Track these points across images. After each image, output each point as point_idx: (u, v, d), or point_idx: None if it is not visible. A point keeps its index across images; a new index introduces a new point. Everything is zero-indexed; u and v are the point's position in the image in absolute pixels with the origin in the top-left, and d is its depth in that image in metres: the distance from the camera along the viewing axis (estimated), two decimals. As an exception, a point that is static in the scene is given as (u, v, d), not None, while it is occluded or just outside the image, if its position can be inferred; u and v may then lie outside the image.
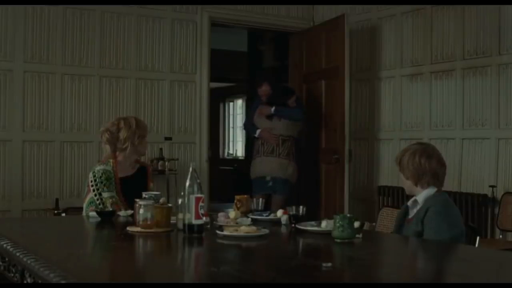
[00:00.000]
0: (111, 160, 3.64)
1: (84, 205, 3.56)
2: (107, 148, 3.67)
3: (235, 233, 2.68)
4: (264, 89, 5.80)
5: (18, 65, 5.24)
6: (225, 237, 2.66)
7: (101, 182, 3.54)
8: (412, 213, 3.03)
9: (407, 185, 3.05)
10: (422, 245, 2.78)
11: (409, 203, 3.07)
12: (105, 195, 3.52)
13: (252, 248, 2.63)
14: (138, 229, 2.77)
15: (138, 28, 5.72)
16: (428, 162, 2.98)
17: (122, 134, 3.63)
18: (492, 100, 4.99)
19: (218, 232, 2.72)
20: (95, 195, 3.52)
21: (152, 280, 1.98)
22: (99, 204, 3.48)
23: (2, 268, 2.45)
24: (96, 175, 3.55)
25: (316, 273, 2.07)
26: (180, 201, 2.75)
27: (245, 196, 3.52)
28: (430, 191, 2.98)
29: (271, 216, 3.21)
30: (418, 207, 2.99)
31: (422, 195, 2.98)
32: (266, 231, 2.74)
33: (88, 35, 5.51)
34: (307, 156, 6.14)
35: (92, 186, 3.54)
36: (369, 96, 6.09)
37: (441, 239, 2.77)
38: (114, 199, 3.51)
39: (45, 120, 5.35)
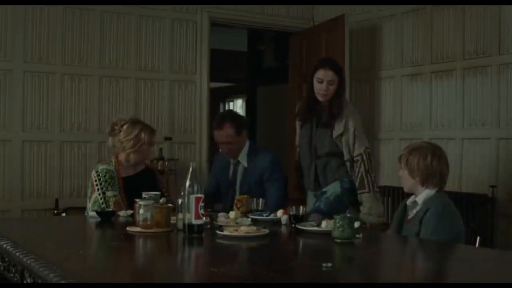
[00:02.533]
0: (113, 160, 3.66)
1: (90, 204, 3.56)
2: (110, 139, 3.71)
3: (235, 233, 2.68)
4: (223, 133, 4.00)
5: (18, 65, 5.24)
6: (225, 237, 2.66)
7: (106, 181, 3.55)
8: (412, 213, 3.02)
9: (410, 183, 3.02)
10: (422, 245, 2.78)
11: (409, 202, 3.06)
12: (108, 194, 3.53)
13: (252, 248, 2.63)
14: (138, 229, 2.77)
15: (138, 28, 5.72)
16: (438, 164, 2.98)
17: (119, 136, 3.65)
18: (492, 100, 4.99)
19: (218, 232, 2.72)
20: (99, 194, 3.52)
21: (152, 280, 1.98)
22: (102, 203, 3.48)
23: (2, 268, 2.45)
24: (100, 174, 3.56)
25: (316, 273, 2.07)
26: (180, 201, 2.75)
27: (245, 196, 3.52)
28: (430, 192, 2.97)
29: (271, 216, 3.21)
30: (418, 208, 2.98)
31: (422, 196, 2.98)
32: (266, 231, 2.74)
33: (88, 35, 5.50)
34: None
35: (96, 185, 3.54)
36: (369, 96, 6.09)
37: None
38: (117, 198, 3.52)
39: (45, 120, 5.35)
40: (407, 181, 3.04)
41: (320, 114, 3.80)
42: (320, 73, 3.71)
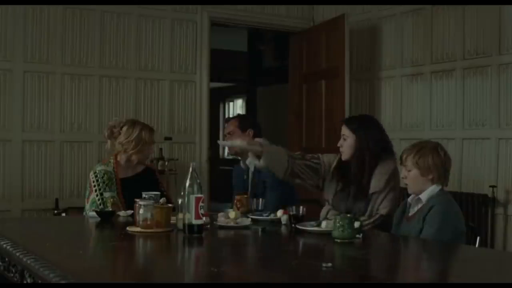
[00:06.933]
0: (111, 161, 3.65)
1: (88, 205, 3.56)
2: (108, 142, 3.70)
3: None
4: None
5: (18, 65, 5.24)
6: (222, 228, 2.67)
7: (103, 182, 3.55)
8: (413, 210, 3.01)
9: (420, 182, 2.96)
10: (422, 245, 2.78)
11: (410, 199, 3.04)
12: (106, 195, 3.53)
13: (252, 248, 2.63)
14: (138, 229, 2.77)
15: (138, 28, 5.72)
16: (447, 160, 2.98)
17: (120, 138, 3.65)
18: (492, 100, 4.99)
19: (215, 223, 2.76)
20: (97, 195, 3.52)
21: (152, 280, 1.98)
22: (100, 204, 3.48)
23: (2, 268, 2.45)
24: (98, 175, 3.56)
25: (316, 273, 2.08)
26: (180, 201, 2.75)
27: (245, 196, 3.53)
28: (434, 189, 2.96)
29: (271, 216, 3.21)
30: (420, 205, 2.97)
31: (426, 193, 2.95)
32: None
33: (88, 35, 5.50)
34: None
35: (94, 186, 3.55)
36: (369, 96, 6.09)
37: (440, 239, 2.77)
38: (114, 199, 3.52)
39: (45, 120, 5.35)
40: (416, 181, 2.96)
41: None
42: None
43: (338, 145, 3.39)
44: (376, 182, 3.25)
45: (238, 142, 3.56)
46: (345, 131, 3.36)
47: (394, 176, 3.26)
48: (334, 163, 3.48)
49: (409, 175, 2.99)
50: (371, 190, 3.26)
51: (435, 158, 2.94)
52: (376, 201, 3.24)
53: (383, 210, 3.21)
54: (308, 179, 3.48)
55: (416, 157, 2.96)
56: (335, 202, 3.41)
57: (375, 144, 3.32)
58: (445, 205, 2.89)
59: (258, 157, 3.38)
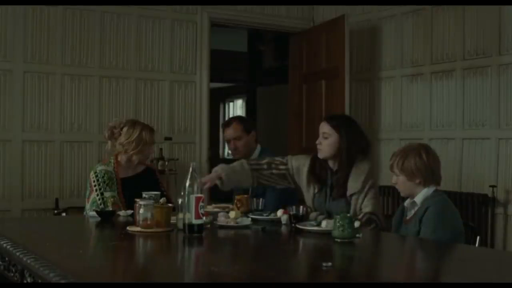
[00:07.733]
0: (112, 161, 3.66)
1: (88, 205, 3.57)
2: (109, 143, 3.71)
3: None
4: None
5: (18, 65, 5.24)
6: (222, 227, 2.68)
7: (104, 182, 3.56)
8: (410, 214, 3.02)
9: (409, 186, 2.99)
10: (422, 245, 2.78)
11: (406, 203, 3.06)
12: (107, 194, 3.53)
13: (252, 247, 2.63)
14: (138, 229, 2.77)
15: (138, 28, 5.72)
16: (433, 161, 2.98)
17: (120, 139, 3.65)
18: (492, 100, 4.99)
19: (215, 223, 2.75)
20: (97, 194, 3.52)
21: (152, 280, 1.98)
22: (100, 203, 3.49)
23: (2, 267, 2.45)
24: (99, 175, 3.57)
25: (316, 273, 2.08)
26: (180, 201, 2.76)
27: (245, 196, 3.52)
28: (428, 191, 2.97)
29: (271, 216, 3.21)
30: (416, 208, 2.98)
31: (420, 195, 2.97)
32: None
33: (88, 35, 5.50)
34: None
35: (95, 186, 3.55)
36: (369, 96, 6.09)
37: (437, 240, 2.77)
38: (115, 199, 3.52)
39: (45, 120, 5.35)
40: (405, 186, 3.00)
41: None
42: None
43: (317, 142, 3.34)
44: (354, 183, 3.24)
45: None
46: (327, 129, 3.32)
47: (371, 175, 3.27)
48: (307, 167, 3.44)
49: (398, 180, 3.03)
50: (350, 192, 3.25)
51: (417, 162, 2.95)
52: (357, 202, 3.23)
53: (366, 209, 3.20)
54: (277, 183, 3.57)
55: (400, 163, 2.99)
56: (315, 206, 3.40)
57: (356, 145, 3.31)
58: (440, 206, 2.90)
59: (221, 179, 3.41)
